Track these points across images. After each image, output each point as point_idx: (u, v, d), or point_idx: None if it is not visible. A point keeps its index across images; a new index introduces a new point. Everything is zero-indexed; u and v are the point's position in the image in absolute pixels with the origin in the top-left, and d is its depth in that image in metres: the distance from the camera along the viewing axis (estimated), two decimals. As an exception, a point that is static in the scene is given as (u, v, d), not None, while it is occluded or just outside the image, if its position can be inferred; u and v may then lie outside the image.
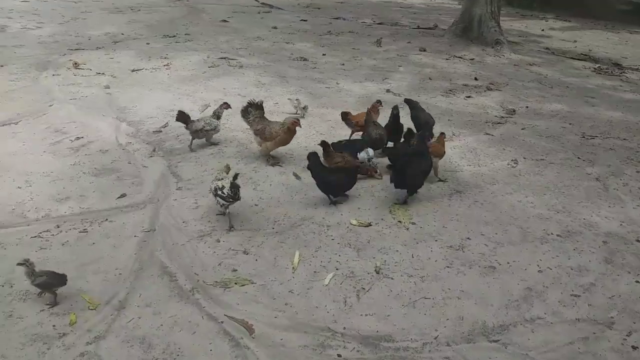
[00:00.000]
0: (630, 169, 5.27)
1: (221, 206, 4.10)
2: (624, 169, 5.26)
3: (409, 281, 3.53)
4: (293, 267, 3.67)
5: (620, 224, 4.26)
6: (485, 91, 7.93)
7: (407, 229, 4.14)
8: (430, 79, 8.59)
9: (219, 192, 4.03)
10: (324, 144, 4.84)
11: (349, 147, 5.23)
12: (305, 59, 9.63)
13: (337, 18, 13.93)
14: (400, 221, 4.24)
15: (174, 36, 10.98)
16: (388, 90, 7.88)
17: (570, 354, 2.96)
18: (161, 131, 6.07)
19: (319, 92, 7.73)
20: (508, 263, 3.71)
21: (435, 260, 3.75)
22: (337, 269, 3.65)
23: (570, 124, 6.62)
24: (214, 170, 4.73)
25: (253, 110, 5.31)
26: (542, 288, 3.47)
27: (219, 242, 3.96)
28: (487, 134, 6.23)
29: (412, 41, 11.26)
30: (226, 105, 5.76)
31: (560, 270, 3.66)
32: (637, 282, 3.58)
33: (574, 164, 5.38)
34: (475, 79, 8.54)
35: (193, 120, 5.54)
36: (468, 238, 4.02)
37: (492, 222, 4.24)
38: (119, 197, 4.55)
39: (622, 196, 4.74)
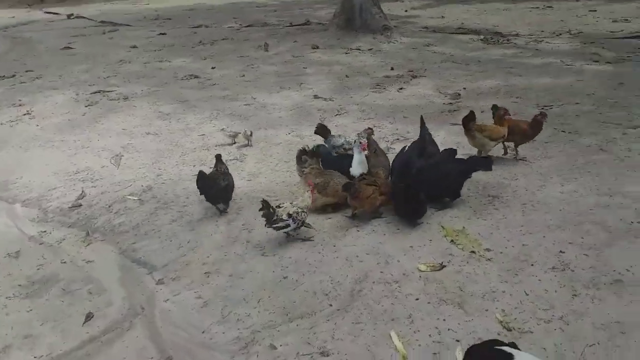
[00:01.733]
0: (615, 132, 5.14)
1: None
2: (611, 134, 5.11)
3: (555, 328, 2.75)
4: (403, 357, 2.66)
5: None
6: (411, 80, 7.48)
7: (489, 259, 3.36)
8: (347, 76, 7.90)
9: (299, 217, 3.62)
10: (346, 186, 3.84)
11: (338, 163, 4.30)
12: (195, 76, 8.30)
13: (198, 26, 12.56)
14: (473, 251, 3.44)
15: (13, 76, 8.78)
16: (316, 96, 7.01)
17: None
18: (80, 204, 4.45)
19: (242, 112, 6.57)
20: (629, 270, 3.14)
21: (555, 291, 3.02)
22: (457, 340, 2.73)
23: (517, 97, 6.43)
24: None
25: (309, 159, 4.23)
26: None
27: (275, 348, 2.77)
28: (453, 124, 5.71)
29: (297, 40, 10.48)
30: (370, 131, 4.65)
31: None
32: None
33: (566, 138, 5.10)
34: (392, 68, 8.07)
35: (333, 136, 4.73)
36: (561, 252, 3.37)
37: (563, 226, 3.65)
38: (85, 322, 3.04)
39: None
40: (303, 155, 4.27)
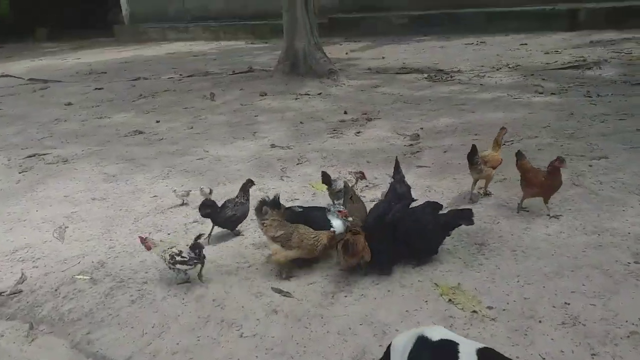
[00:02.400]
0: (582, 165, 5.14)
1: (184, 273, 3.66)
2: (578, 167, 5.10)
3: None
4: None
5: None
6: (367, 123, 7.36)
7: (493, 318, 3.10)
8: (301, 122, 7.68)
9: (178, 259, 3.58)
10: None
11: (304, 215, 3.99)
12: (140, 132, 7.82)
13: (137, 79, 12.07)
14: (474, 311, 3.17)
15: None
16: (273, 145, 6.71)
17: None
18: (20, 290, 3.86)
19: (195, 167, 6.16)
20: (641, 319, 2.97)
21: (572, 352, 2.79)
22: None
23: (476, 134, 6.40)
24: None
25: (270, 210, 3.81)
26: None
27: None
28: (419, 166, 5.56)
29: (243, 88, 10.23)
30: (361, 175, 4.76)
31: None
32: None
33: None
34: (345, 112, 7.93)
35: (335, 180, 4.58)
36: (566, 303, 3.17)
37: (561, 272, 3.47)
38: None
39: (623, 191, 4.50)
40: (263, 207, 3.86)
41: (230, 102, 9.30)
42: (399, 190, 4.08)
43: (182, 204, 5.13)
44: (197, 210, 4.38)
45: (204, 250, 3.71)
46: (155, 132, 7.75)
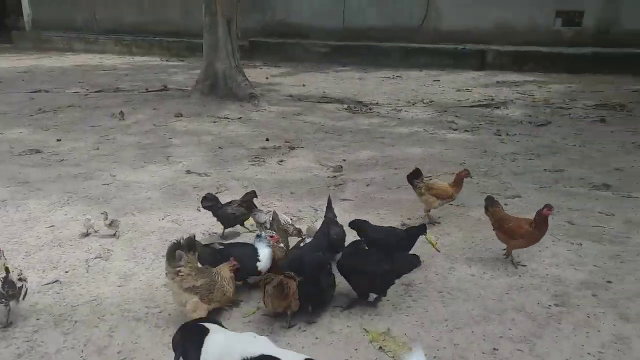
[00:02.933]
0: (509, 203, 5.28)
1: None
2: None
3: None
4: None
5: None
6: (289, 151, 7.19)
7: (424, 367, 2.97)
8: (220, 147, 7.36)
9: None
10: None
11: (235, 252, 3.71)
12: (37, 151, 7.10)
13: (37, 91, 11.07)
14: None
15: None
16: (188, 171, 6.33)
17: None
18: None
19: (100, 193, 5.63)
20: (566, 366, 2.98)
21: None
22: None
23: (396, 168, 6.45)
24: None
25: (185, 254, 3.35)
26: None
27: None
28: (343, 199, 5.46)
29: (157, 107, 9.69)
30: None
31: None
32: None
33: (456, 212, 5.11)
34: (267, 139, 7.72)
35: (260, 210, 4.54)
36: (494, 349, 3.12)
37: (488, 316, 3.45)
38: None
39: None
40: (177, 250, 3.32)
41: (142, 121, 8.74)
42: (332, 234, 3.91)
43: (87, 234, 4.61)
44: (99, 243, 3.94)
45: (20, 286, 3.22)
46: (56, 152, 7.04)
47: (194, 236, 3.50)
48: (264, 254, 3.61)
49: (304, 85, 12.36)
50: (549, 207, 3.77)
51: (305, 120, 8.93)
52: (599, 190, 5.53)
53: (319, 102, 10.55)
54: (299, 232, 4.27)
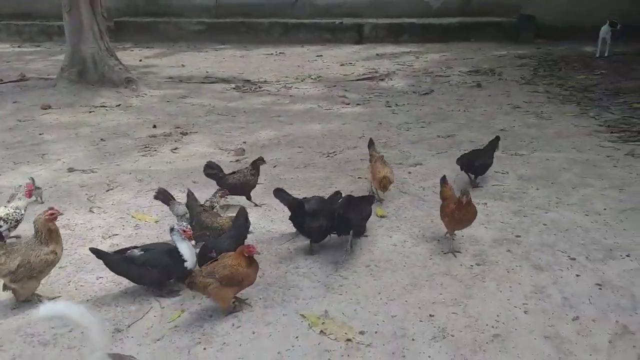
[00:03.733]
0: (402, 173, 5.42)
1: None
2: (400, 175, 5.37)
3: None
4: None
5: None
6: (182, 137, 6.74)
7: (368, 344, 2.94)
8: (102, 140, 6.68)
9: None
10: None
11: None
12: None
13: None
14: (349, 339, 2.97)
15: None
16: (71, 169, 5.68)
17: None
18: None
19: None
20: (498, 320, 3.11)
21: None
22: None
23: (299, 146, 6.35)
24: None
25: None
26: None
27: None
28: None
29: (18, 100, 8.55)
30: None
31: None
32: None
33: (365, 185, 5.14)
34: (154, 126, 7.17)
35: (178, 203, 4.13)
36: (431, 315, 3.17)
37: (418, 284, 3.50)
38: None
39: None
40: None
41: (3, 117, 7.63)
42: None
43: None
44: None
45: None
46: None
47: None
48: (185, 250, 3.30)
49: (183, 66, 11.68)
50: (464, 193, 3.64)
51: (193, 103, 8.44)
52: (490, 151, 5.91)
53: (203, 82, 10.03)
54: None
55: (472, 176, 4.95)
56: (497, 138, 5.20)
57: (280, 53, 13.16)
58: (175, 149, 6.29)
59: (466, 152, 5.18)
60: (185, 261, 3.27)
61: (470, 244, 3.96)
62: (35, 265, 3.11)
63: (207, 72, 11.04)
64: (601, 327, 3.05)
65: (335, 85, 9.61)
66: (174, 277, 3.37)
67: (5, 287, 3.23)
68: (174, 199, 4.24)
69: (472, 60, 11.34)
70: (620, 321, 3.10)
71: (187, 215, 4.02)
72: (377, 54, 12.55)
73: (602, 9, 11.72)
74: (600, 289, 3.40)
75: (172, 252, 3.30)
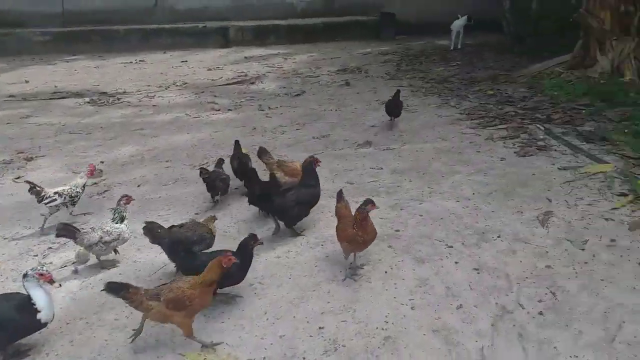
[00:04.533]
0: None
1: None
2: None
3: None
4: None
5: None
6: (27, 163, 5.92)
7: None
8: None
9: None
10: None
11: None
12: None
13: None
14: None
15: None
16: None
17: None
18: None
19: None
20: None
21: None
22: None
23: (167, 161, 5.88)
24: None
25: None
26: None
27: None
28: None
29: None
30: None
31: None
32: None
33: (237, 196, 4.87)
34: (-8, 152, 6.21)
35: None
36: (320, 328, 3.00)
37: (306, 295, 3.31)
38: None
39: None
40: None
41: None
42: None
43: None
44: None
45: None
46: None
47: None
48: (40, 298, 2.76)
49: (27, 82, 10.41)
50: (368, 202, 3.34)
51: (39, 123, 7.49)
52: (363, 148, 5.95)
53: (52, 98, 9.00)
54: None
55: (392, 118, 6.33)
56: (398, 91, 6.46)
57: (140, 61, 12.34)
58: (18, 177, 5.47)
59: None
60: (39, 312, 2.73)
61: (354, 245, 3.86)
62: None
63: (55, 86, 9.94)
64: (483, 311, 3.10)
65: (203, 92, 9.17)
66: (23, 333, 2.81)
67: None
68: (78, 230, 3.63)
69: (339, 60, 11.53)
70: (499, 302, 3.17)
71: (102, 241, 3.52)
72: (245, 57, 12.28)
73: (452, 6, 12.57)
74: (478, 273, 3.48)
75: (21, 303, 2.75)
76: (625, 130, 5.86)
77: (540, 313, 3.05)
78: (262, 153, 4.73)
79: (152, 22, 14.02)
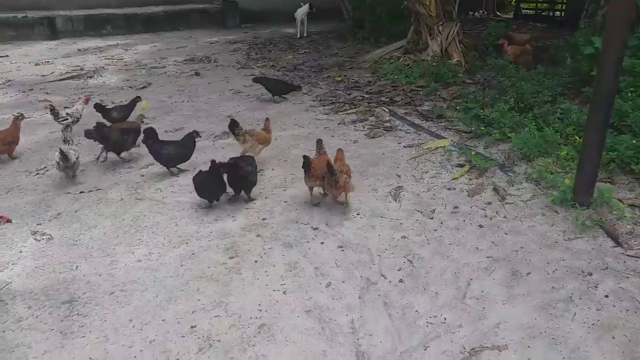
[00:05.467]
0: (134, 176, 4.92)
1: None
2: (133, 179, 4.86)
3: None
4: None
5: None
6: None
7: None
8: None
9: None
10: None
11: None
12: None
13: None
14: None
15: None
16: None
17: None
18: None
19: None
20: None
21: (227, 376, 2.57)
22: None
23: (-5, 168, 5.18)
24: None
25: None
26: None
27: None
28: None
29: None
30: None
31: None
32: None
33: (101, 197, 4.48)
34: None
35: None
36: (192, 327, 2.89)
37: (174, 296, 3.15)
38: None
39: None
40: None
41: None
42: None
43: None
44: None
45: None
46: None
47: None
48: None
49: None
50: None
51: None
52: (222, 139, 5.84)
53: None
54: None
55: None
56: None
57: (-59, 58, 10.62)
58: None
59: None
60: None
61: (220, 239, 3.79)
62: None
63: None
64: (350, 286, 3.25)
65: (32, 89, 8.19)
66: None
67: None
68: None
69: (185, 49, 11.12)
70: (363, 276, 3.35)
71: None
72: (79, 49, 11.24)
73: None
74: (343, 250, 3.64)
75: None
76: (457, 108, 6.55)
77: (401, 280, 3.29)
78: (233, 125, 4.87)
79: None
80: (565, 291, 3.17)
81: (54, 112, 5.41)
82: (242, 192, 4.34)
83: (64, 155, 4.42)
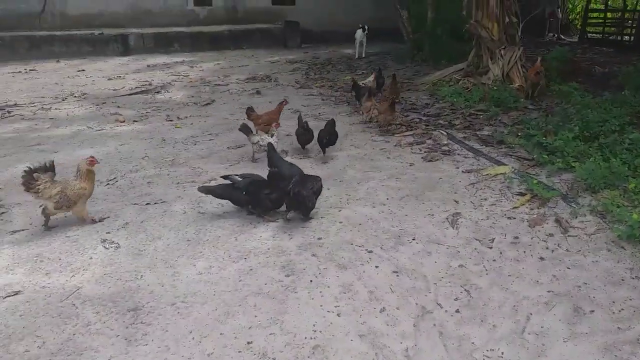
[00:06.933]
0: (188, 191, 5.11)
1: None
2: (190, 194, 5.05)
3: None
4: None
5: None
6: None
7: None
8: None
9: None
10: None
11: None
12: None
13: None
14: None
15: None
16: None
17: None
18: None
19: None
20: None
21: None
22: None
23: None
24: None
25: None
26: None
27: None
28: (14, 232, 4.35)
29: None
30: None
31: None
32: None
33: (166, 209, 4.70)
34: None
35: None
36: (249, 343, 2.97)
37: (232, 311, 3.25)
38: None
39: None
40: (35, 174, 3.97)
41: None
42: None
43: None
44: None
45: None
46: None
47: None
48: None
49: None
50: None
51: None
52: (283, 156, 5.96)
53: None
54: None
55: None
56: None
57: (31, 70, 11.47)
58: None
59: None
60: None
61: (277, 256, 3.87)
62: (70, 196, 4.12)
63: None
64: (405, 313, 3.24)
65: (105, 102, 8.71)
66: None
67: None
68: None
69: (247, 68, 11.49)
70: (419, 303, 3.33)
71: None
72: (148, 65, 11.85)
73: (353, 15, 13.03)
74: (398, 275, 3.63)
75: None
76: (519, 134, 6.42)
77: (457, 311, 3.25)
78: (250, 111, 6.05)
79: (41, 29, 13.09)
80: (632, 333, 3.03)
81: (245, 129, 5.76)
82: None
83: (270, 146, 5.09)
